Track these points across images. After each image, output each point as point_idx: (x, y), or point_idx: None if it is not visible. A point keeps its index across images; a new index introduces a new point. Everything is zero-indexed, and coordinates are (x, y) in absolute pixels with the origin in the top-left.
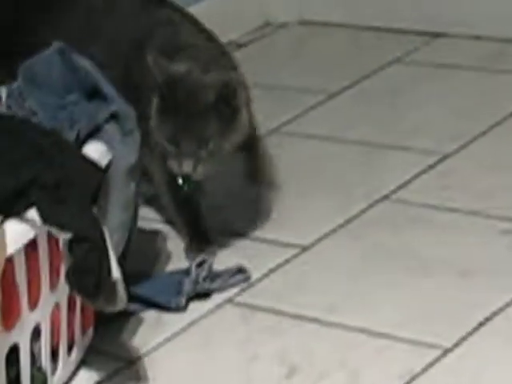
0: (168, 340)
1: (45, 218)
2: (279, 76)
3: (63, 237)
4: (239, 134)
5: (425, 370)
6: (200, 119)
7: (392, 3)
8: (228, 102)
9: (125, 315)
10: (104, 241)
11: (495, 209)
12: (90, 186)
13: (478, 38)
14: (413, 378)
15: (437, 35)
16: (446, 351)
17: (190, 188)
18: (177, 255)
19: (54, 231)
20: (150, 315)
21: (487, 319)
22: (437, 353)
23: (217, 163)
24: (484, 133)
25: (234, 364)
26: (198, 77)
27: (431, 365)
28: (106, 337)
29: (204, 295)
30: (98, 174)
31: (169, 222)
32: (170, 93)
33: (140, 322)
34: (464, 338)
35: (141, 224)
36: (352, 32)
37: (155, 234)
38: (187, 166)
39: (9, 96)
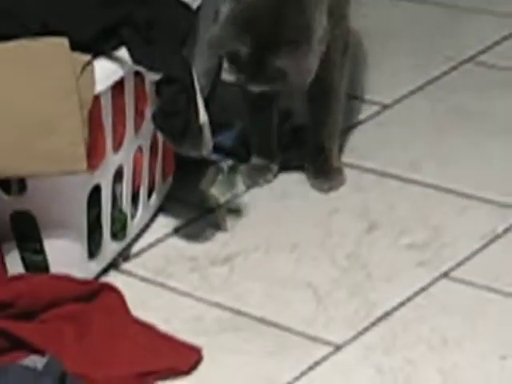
0: (248, 191)
1: (135, 58)
2: None
3: (152, 78)
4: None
5: (508, 229)
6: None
7: None
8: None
9: (205, 163)
10: (193, 84)
11: None
12: (181, 29)
13: None
14: (494, 239)
15: None
16: None
17: None
18: None
19: (143, 71)
20: (230, 164)
21: None
22: None
23: None
24: None
25: (314, 217)
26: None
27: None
28: (186, 185)
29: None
30: (188, 16)
31: None
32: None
33: (219, 170)
34: None
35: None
36: None
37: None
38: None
39: None
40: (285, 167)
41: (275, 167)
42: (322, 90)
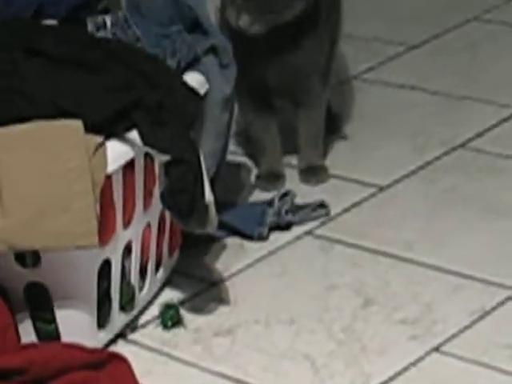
0: (249, 266)
1: (145, 140)
2: (363, 28)
3: (161, 158)
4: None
5: (495, 308)
6: None
7: None
8: None
9: (210, 240)
10: (200, 164)
11: None
12: (189, 112)
13: None
14: (483, 316)
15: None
16: None
17: None
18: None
19: (153, 152)
20: (233, 242)
21: None
22: (508, 293)
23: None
24: None
25: (312, 293)
26: None
27: (502, 303)
28: (191, 259)
29: (285, 227)
30: (196, 101)
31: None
32: None
33: (223, 247)
34: None
35: (228, 156)
36: None
37: (241, 166)
38: (244, 21)
39: (114, 23)
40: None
41: (283, 174)
42: (307, 107)
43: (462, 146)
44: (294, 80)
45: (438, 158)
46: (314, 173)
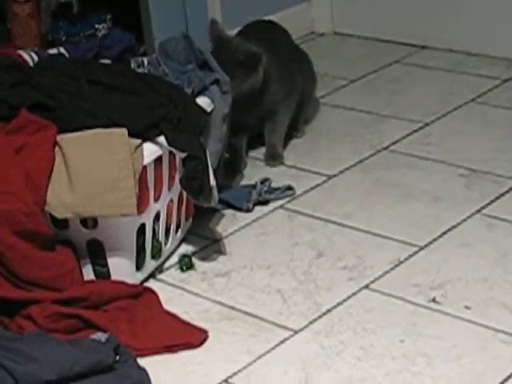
0: (240, 229)
1: (170, 142)
2: (319, 67)
3: (180, 155)
4: (253, 85)
5: (407, 259)
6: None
7: (395, 23)
8: (251, 65)
9: (213, 211)
10: (206, 159)
11: (457, 160)
12: (199, 124)
13: (450, 50)
14: (398, 264)
15: (422, 47)
16: (419, 248)
17: None
18: (248, 176)
19: (175, 151)
20: (229, 212)
21: (449, 229)
22: (415, 248)
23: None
24: (452, 111)
25: (282, 248)
26: (238, 44)
27: (411, 256)
28: (200, 224)
29: (264, 203)
30: (204, 116)
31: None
32: (217, 48)
33: (222, 216)
34: (433, 241)
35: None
36: (368, 41)
37: None
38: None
39: (149, 63)
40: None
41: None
42: (272, 122)
43: (386, 148)
44: (263, 116)
45: (369, 157)
46: (274, 159)
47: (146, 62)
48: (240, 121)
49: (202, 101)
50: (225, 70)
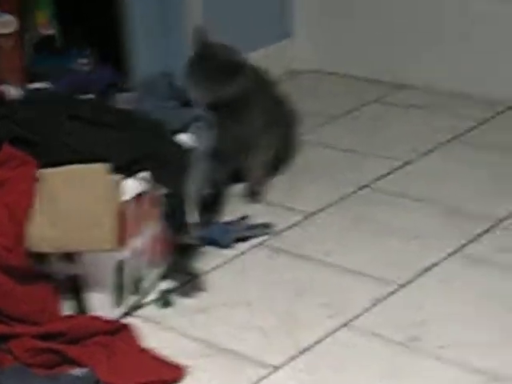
0: (220, 266)
1: (154, 179)
2: (301, 105)
3: (162, 191)
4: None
5: (387, 297)
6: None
7: (375, 62)
8: (233, 71)
9: (193, 247)
10: (188, 196)
11: (436, 199)
12: (181, 160)
13: (430, 90)
14: (377, 303)
15: (402, 86)
16: (399, 286)
17: None
18: (228, 212)
19: (157, 188)
20: (208, 249)
21: (429, 268)
22: (391, 289)
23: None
24: (431, 150)
25: (261, 285)
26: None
27: (391, 294)
28: (180, 260)
29: (244, 239)
30: (186, 153)
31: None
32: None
33: (202, 252)
34: (412, 279)
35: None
36: (349, 79)
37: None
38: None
39: (131, 99)
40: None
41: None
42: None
43: (366, 186)
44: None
45: (349, 195)
46: (254, 195)
47: (128, 98)
48: (221, 153)
49: (184, 137)
50: (206, 75)
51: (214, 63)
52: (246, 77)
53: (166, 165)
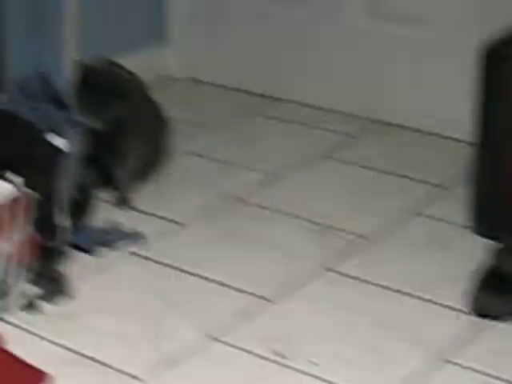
0: (87, 273)
1: (25, 183)
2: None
3: (33, 195)
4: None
5: (254, 311)
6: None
7: (252, 74)
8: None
9: (61, 253)
10: (58, 200)
11: (306, 214)
12: (53, 164)
13: (305, 104)
14: (244, 316)
15: (278, 99)
16: (267, 300)
17: None
18: (97, 218)
19: (28, 192)
20: (76, 255)
21: (296, 283)
22: (262, 301)
23: None
24: (304, 165)
25: (129, 293)
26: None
27: (259, 308)
28: (47, 265)
29: (113, 246)
30: (59, 158)
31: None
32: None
33: (70, 258)
34: (280, 294)
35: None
36: (225, 90)
37: None
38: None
39: (4, 100)
40: None
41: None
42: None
43: (237, 198)
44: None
45: (220, 206)
46: (123, 202)
47: (1, 99)
48: (90, 160)
49: (56, 140)
50: (95, 100)
51: (104, 86)
52: (130, 95)
53: (38, 168)
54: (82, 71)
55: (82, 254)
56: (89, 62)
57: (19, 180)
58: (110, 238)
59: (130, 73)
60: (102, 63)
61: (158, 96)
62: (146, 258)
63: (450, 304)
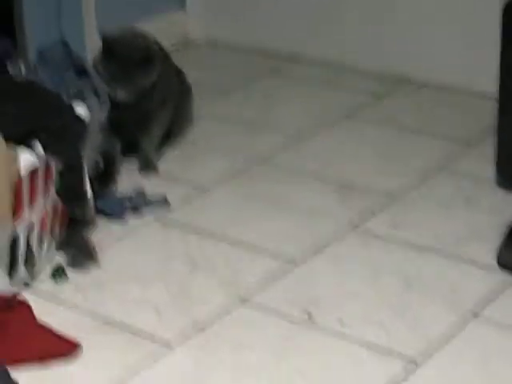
0: (114, 241)
1: (48, 152)
2: (195, 77)
3: (57, 165)
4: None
5: (282, 274)
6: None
7: (270, 34)
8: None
9: (87, 222)
10: (84, 169)
11: (331, 175)
12: (78, 133)
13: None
14: (273, 279)
15: (297, 59)
16: (295, 262)
17: None
18: (123, 185)
19: (52, 160)
20: (103, 223)
21: (324, 245)
22: (290, 263)
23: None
24: (327, 126)
25: (156, 260)
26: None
27: (286, 270)
28: (75, 234)
29: (139, 213)
30: (83, 125)
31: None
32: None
33: (96, 227)
34: (307, 255)
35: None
36: (244, 51)
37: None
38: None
39: (27, 70)
40: None
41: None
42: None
43: (262, 160)
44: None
45: (244, 170)
46: (148, 168)
47: (23, 69)
48: (114, 127)
49: (80, 109)
50: (121, 72)
51: (126, 59)
52: (156, 65)
53: (62, 137)
54: (107, 41)
55: (108, 221)
56: (113, 32)
57: (43, 149)
58: (136, 204)
59: (154, 42)
60: (125, 32)
61: (179, 61)
62: (172, 224)
63: (479, 260)
